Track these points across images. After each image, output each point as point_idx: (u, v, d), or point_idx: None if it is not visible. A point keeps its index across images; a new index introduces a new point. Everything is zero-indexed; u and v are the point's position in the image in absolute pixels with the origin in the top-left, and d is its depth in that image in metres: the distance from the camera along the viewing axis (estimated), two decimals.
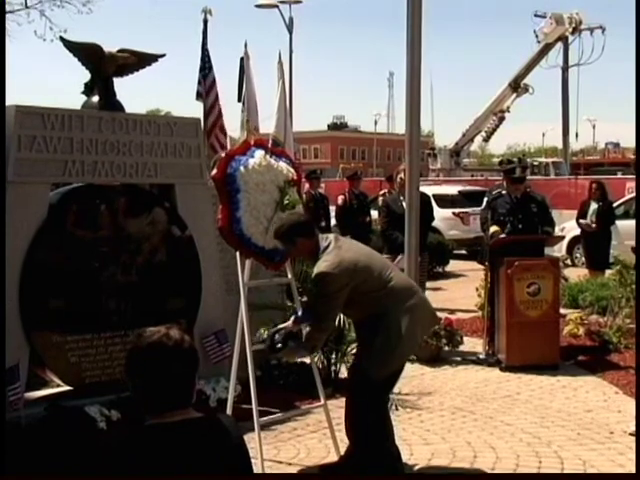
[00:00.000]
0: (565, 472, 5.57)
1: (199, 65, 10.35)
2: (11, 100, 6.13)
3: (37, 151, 6.08)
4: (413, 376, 8.17)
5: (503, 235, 8.79)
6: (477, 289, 10.35)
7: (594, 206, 13.21)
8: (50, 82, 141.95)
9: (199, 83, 10.31)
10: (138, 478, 2.34)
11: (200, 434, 2.47)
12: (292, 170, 5.90)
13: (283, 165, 5.83)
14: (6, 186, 5.92)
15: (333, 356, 7.59)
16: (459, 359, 8.82)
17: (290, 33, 30.27)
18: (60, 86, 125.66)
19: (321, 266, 5.24)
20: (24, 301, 6.00)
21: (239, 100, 7.62)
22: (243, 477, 2.52)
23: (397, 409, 6.97)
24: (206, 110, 10.15)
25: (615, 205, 14.82)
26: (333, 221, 14.59)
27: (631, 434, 6.16)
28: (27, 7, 23.61)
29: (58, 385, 6.54)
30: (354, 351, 7.57)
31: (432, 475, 5.46)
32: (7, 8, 23.36)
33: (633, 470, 5.35)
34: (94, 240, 6.44)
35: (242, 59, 7.73)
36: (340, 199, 14.26)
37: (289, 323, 5.63)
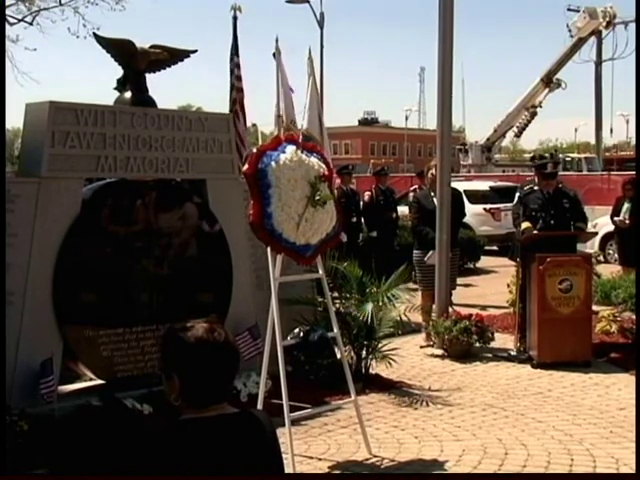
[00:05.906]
0: (597, 470, 5.52)
1: (229, 62, 10.29)
2: (44, 97, 6.17)
3: (70, 147, 6.14)
4: (444, 372, 8.15)
5: (535, 231, 8.72)
6: (508, 285, 10.28)
7: (627, 205, 13.05)
8: (83, 78, 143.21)
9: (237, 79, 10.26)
10: (174, 472, 2.35)
11: (235, 429, 2.47)
12: (323, 166, 5.89)
13: (314, 161, 5.82)
14: (39, 181, 5.98)
15: (363, 352, 7.58)
16: (490, 355, 8.77)
17: (321, 28, 30.23)
18: (94, 82, 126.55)
19: None
20: (57, 295, 6.07)
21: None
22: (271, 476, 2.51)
23: (428, 405, 6.96)
24: (230, 104, 10.09)
25: None
26: None
27: None
28: (61, 4, 23.83)
29: (90, 379, 6.60)
30: (385, 347, 7.59)
31: (432, 475, 5.41)
32: (42, 5, 23.70)
33: None
34: (126, 235, 6.49)
35: (274, 55, 7.73)
36: (367, 195, 14.22)
37: None
